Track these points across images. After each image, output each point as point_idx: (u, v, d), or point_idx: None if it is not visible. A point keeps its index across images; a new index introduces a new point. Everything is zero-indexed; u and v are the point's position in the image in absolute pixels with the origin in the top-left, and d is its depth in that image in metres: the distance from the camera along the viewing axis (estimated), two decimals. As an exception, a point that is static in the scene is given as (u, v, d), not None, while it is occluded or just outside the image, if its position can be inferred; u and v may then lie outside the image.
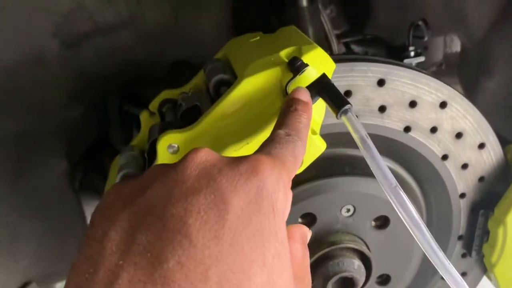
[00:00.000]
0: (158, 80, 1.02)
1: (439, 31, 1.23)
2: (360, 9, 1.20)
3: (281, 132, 0.47)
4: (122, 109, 1.01)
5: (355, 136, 0.53)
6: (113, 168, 0.77)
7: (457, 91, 0.77)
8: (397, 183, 0.51)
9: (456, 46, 1.45)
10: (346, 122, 0.53)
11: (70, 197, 1.08)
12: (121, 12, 0.96)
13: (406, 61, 1.06)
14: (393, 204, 0.52)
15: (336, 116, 0.53)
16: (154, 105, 0.75)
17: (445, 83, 0.76)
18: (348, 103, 0.53)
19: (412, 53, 1.10)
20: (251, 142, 0.56)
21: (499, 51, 1.08)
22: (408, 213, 0.51)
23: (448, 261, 0.56)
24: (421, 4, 1.17)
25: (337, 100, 0.54)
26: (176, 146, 0.60)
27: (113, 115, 1.03)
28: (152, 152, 0.63)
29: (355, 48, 1.27)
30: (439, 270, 0.57)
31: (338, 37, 1.22)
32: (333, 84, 0.55)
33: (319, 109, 0.58)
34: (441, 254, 0.55)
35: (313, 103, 0.55)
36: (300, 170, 0.59)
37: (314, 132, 0.58)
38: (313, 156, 0.58)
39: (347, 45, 1.27)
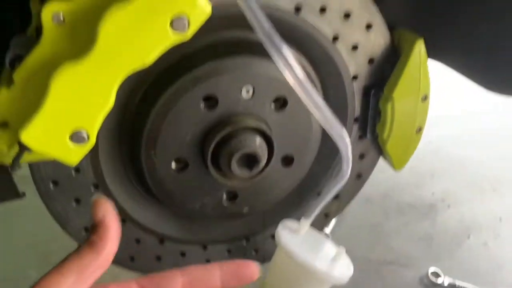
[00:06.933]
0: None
1: None
2: None
3: None
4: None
5: None
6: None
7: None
8: (272, 28, 0.54)
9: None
10: None
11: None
12: None
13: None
14: (266, 48, 0.55)
15: None
16: None
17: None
18: None
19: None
20: None
21: None
22: (279, 52, 0.55)
23: (326, 107, 0.61)
24: None
25: None
26: (61, 15, 0.59)
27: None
28: (40, 28, 0.62)
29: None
30: (317, 118, 0.62)
31: None
32: None
33: None
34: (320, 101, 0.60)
35: None
36: (189, 33, 0.61)
37: None
38: (200, 17, 0.60)
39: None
